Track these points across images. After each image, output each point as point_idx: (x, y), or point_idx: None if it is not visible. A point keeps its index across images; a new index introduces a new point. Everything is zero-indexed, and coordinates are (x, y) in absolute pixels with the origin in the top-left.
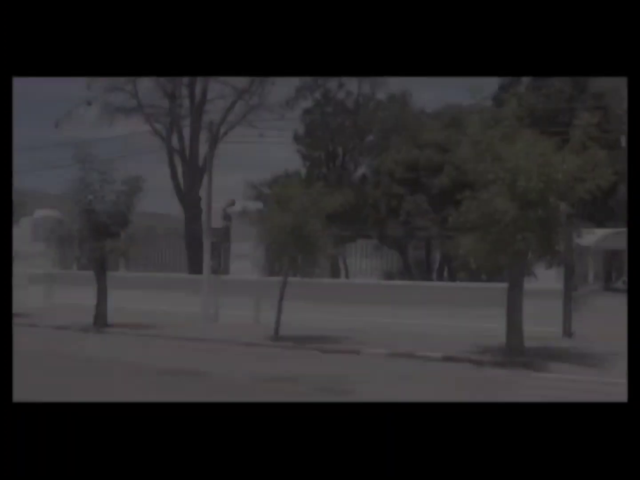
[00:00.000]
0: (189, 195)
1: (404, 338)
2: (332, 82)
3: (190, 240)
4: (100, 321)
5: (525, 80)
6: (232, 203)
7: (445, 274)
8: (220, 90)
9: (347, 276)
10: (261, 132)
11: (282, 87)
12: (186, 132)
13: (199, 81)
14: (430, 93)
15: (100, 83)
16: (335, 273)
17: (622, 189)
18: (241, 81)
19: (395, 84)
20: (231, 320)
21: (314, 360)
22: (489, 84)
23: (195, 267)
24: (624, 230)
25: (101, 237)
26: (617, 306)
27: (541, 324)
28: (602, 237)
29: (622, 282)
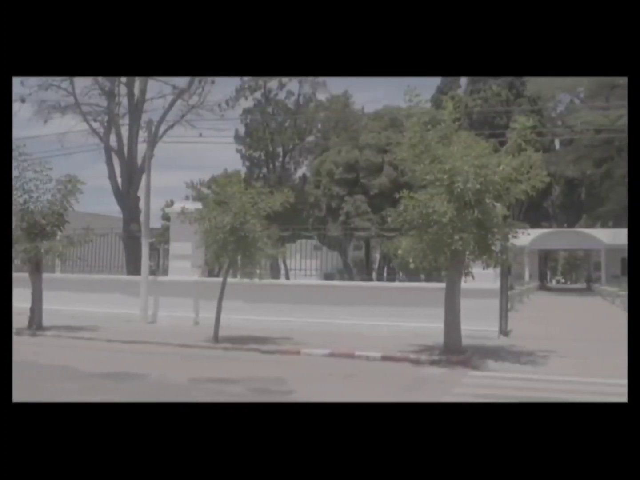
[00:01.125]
0: (127, 196)
1: (344, 338)
2: (272, 82)
3: (128, 241)
4: (34, 324)
5: (463, 83)
6: (171, 203)
7: (385, 273)
8: (159, 89)
9: (287, 276)
10: (201, 131)
11: (223, 86)
12: (124, 131)
13: (138, 79)
14: (371, 94)
15: (35, 80)
16: (275, 273)
17: (557, 191)
18: (181, 80)
19: (335, 85)
20: (170, 321)
21: (254, 361)
22: (428, 86)
23: (133, 268)
24: (558, 230)
25: (36, 238)
26: (552, 304)
27: (478, 322)
28: (537, 238)
29: (556, 281)
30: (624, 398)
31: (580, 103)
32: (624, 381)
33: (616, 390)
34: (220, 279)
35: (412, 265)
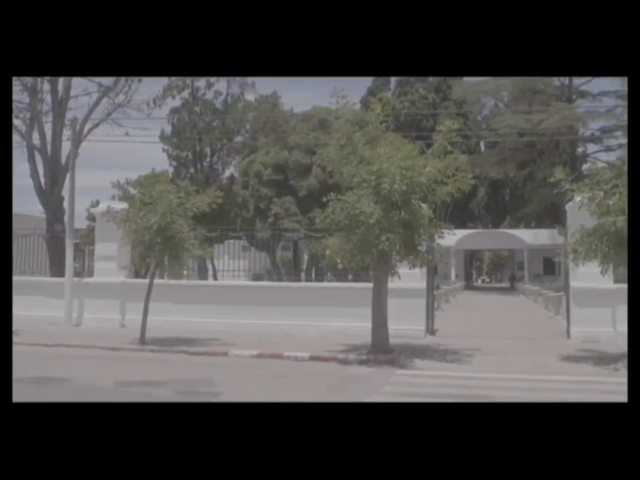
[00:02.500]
0: (51, 195)
1: (273, 339)
2: (200, 81)
3: (52, 242)
4: None
5: (392, 85)
6: (97, 203)
7: (313, 274)
8: (84, 86)
9: (215, 277)
10: (127, 130)
11: (150, 85)
12: (48, 128)
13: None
14: (299, 95)
15: None
16: (202, 274)
17: (482, 192)
18: (107, 78)
19: (264, 85)
20: (95, 324)
21: (181, 363)
22: (358, 88)
23: (57, 269)
24: (483, 231)
25: None
26: (477, 303)
27: (405, 322)
28: (462, 238)
29: (481, 281)
30: (542, 393)
31: (504, 107)
32: (543, 377)
33: (535, 386)
34: (146, 280)
35: (340, 266)
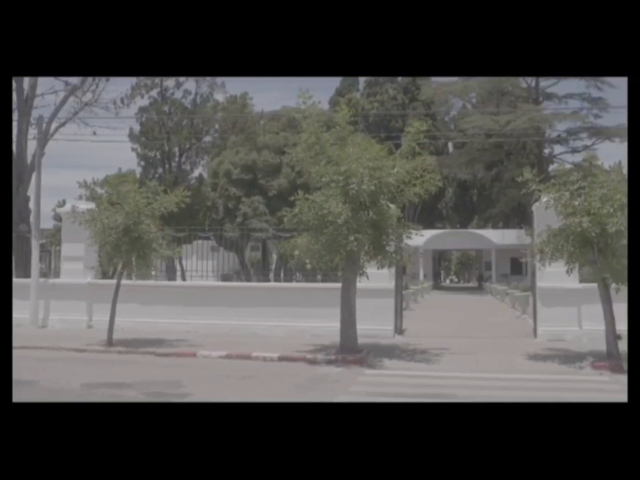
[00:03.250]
0: (16, 195)
1: (241, 339)
2: (169, 81)
3: (17, 243)
4: None
5: (361, 86)
6: (63, 203)
7: (282, 274)
8: (51, 84)
9: (183, 278)
10: (95, 130)
11: (118, 84)
12: (13, 127)
13: None
14: (269, 95)
15: None
16: (171, 275)
17: (450, 192)
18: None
19: (233, 85)
20: (62, 325)
21: (149, 364)
22: (327, 88)
23: (23, 270)
24: (451, 231)
25: None
26: (446, 303)
27: (374, 322)
28: (431, 238)
29: (450, 281)
30: (509, 391)
31: (472, 108)
32: (510, 375)
33: (503, 385)
34: (114, 281)
35: (308, 266)
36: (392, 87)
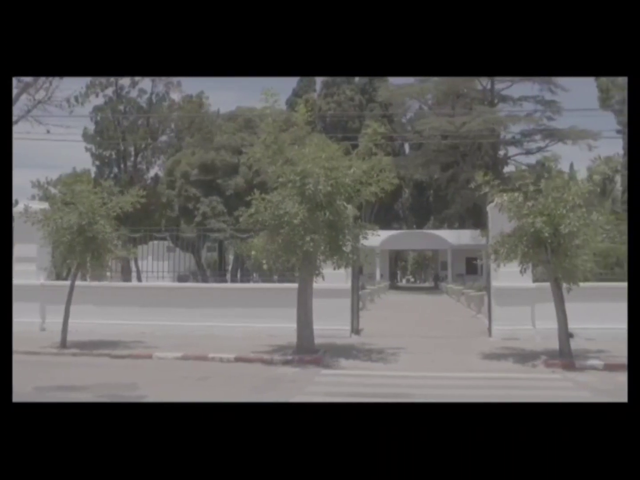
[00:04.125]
0: None
1: (198, 340)
2: (124, 79)
3: None
4: None
5: (318, 86)
6: (15, 203)
7: (239, 275)
8: None
9: (139, 279)
10: (48, 128)
11: (72, 82)
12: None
13: None
14: (225, 95)
15: None
16: (126, 276)
17: (406, 193)
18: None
19: (190, 84)
20: (14, 328)
21: (104, 366)
22: (284, 89)
23: None
24: (407, 231)
25: None
26: (402, 303)
27: (331, 322)
28: (387, 238)
29: (406, 281)
30: (464, 390)
31: (428, 109)
32: (465, 374)
33: (458, 384)
34: (67, 282)
35: (265, 266)
36: (349, 87)
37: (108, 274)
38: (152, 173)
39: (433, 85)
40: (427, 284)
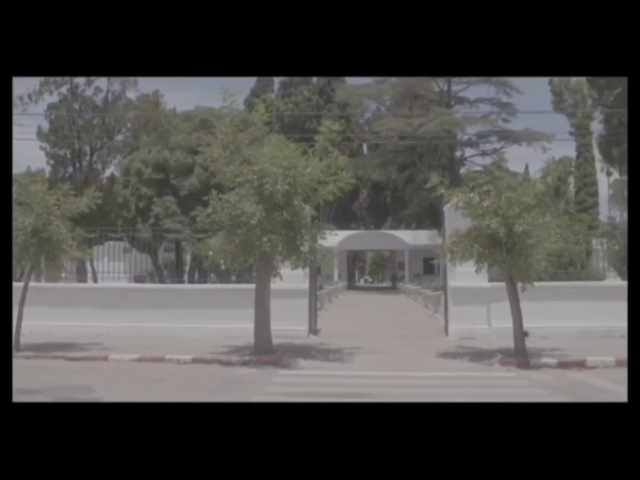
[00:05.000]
0: None
1: (155, 342)
2: (80, 78)
3: None
4: None
5: (276, 87)
6: None
7: (196, 275)
8: None
9: (94, 280)
10: None
11: (25, 79)
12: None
13: None
14: (181, 94)
15: None
16: (81, 277)
17: (364, 194)
18: None
19: (146, 83)
20: None
21: (59, 369)
22: (242, 89)
23: None
24: (365, 232)
25: None
26: (360, 303)
27: (288, 322)
28: (345, 239)
29: (364, 281)
30: (420, 389)
31: (385, 110)
32: (422, 373)
33: (414, 383)
34: (21, 284)
35: (223, 267)
36: (307, 88)
37: (63, 275)
38: (108, 173)
39: (390, 86)
40: (384, 284)
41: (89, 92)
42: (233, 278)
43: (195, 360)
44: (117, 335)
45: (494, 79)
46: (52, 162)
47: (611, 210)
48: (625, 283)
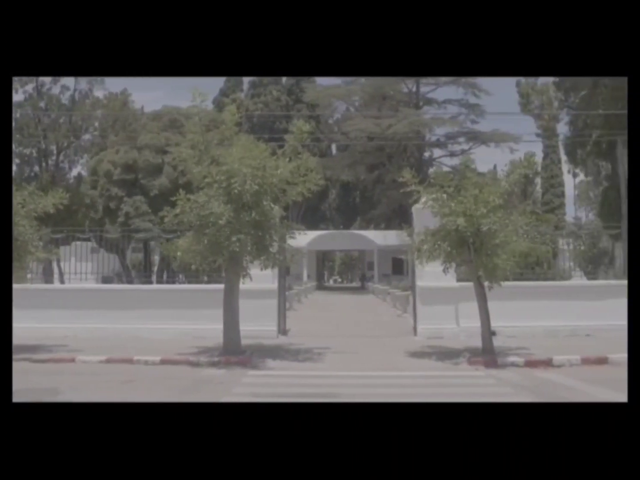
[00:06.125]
0: None
1: (123, 343)
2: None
3: None
4: None
5: (245, 86)
6: None
7: (165, 276)
8: None
9: (61, 280)
10: None
11: None
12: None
13: None
14: (150, 94)
15: None
16: (48, 277)
17: (333, 194)
18: None
19: (113, 82)
20: None
21: (24, 371)
22: (210, 89)
23: None
24: (334, 232)
25: None
26: (329, 303)
27: (257, 322)
28: (314, 239)
29: (333, 281)
30: (390, 389)
31: (355, 111)
32: (390, 373)
33: (383, 382)
34: None
35: (193, 267)
36: (276, 88)
37: (29, 276)
38: (74, 172)
39: (359, 87)
40: (354, 284)
41: (56, 90)
42: (205, 278)
43: (163, 362)
44: (84, 337)
45: (462, 80)
46: (17, 161)
47: (577, 210)
48: (590, 283)
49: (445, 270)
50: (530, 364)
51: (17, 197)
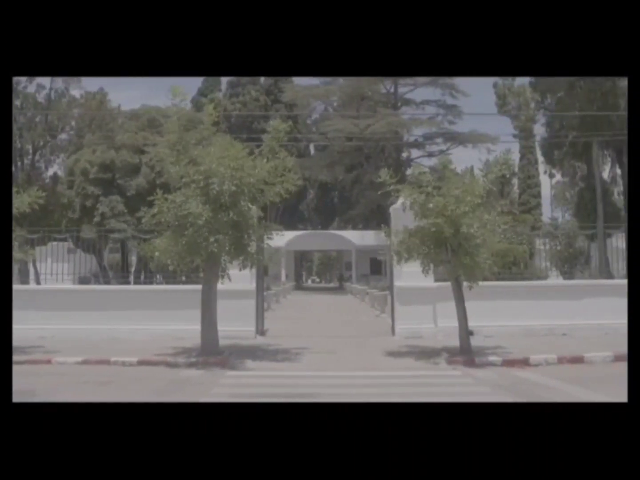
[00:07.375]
0: None
1: (100, 344)
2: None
3: None
4: None
5: (223, 86)
6: None
7: (143, 276)
8: None
9: (37, 281)
10: None
11: None
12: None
13: None
14: (127, 93)
15: None
16: (24, 278)
17: (311, 194)
18: None
19: (90, 81)
20: None
21: None
22: (188, 88)
23: None
24: (312, 232)
25: None
26: (307, 303)
27: (236, 323)
28: (293, 239)
29: (311, 281)
30: (368, 388)
31: (333, 111)
32: (370, 373)
33: (364, 382)
34: None
35: (171, 268)
36: (255, 88)
37: None
38: (51, 172)
39: (338, 87)
40: (332, 284)
41: (31, 88)
42: (183, 279)
43: (141, 363)
44: (61, 338)
45: (440, 81)
46: None
47: (553, 211)
48: (566, 282)
49: (424, 271)
50: (508, 363)
51: None
